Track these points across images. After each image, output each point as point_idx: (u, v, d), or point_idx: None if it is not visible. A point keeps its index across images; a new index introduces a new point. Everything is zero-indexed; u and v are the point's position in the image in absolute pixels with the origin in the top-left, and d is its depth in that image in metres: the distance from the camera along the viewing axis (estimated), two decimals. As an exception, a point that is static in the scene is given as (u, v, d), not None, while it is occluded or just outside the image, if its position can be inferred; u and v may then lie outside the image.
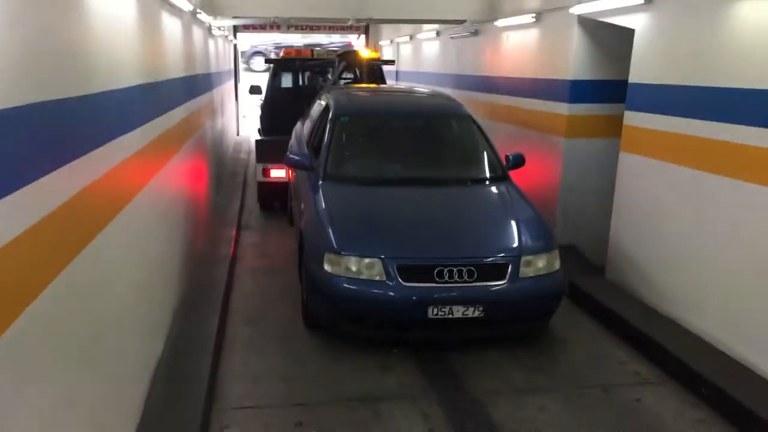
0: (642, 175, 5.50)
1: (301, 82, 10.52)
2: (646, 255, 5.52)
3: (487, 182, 5.90)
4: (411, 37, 13.76)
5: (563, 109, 6.83)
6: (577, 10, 6.37)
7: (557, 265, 4.93)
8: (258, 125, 10.76)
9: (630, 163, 5.67)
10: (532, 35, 7.62)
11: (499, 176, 5.92)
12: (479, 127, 6.46)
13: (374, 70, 10.42)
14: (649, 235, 5.44)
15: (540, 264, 4.81)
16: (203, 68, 8.21)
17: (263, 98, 10.51)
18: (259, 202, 9.51)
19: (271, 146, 8.81)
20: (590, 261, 6.90)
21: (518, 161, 6.16)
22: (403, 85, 13.73)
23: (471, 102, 9.74)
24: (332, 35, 18.30)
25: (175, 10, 5.78)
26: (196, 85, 7.28)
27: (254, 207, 9.84)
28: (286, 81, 10.75)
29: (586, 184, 6.96)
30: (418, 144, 6.39)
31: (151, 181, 4.23)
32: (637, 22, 5.48)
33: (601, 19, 6.08)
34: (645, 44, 5.41)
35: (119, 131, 3.42)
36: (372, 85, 9.54)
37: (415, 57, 13.73)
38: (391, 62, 12.42)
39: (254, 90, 11.76)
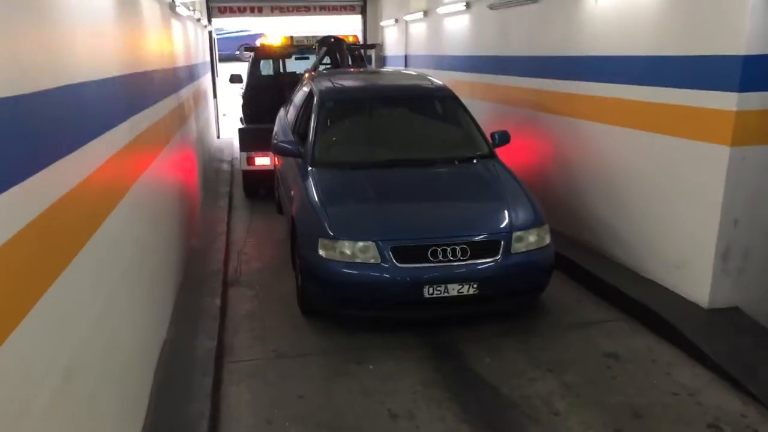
0: None
1: (282, 70, 10.43)
2: None
3: (475, 161, 5.89)
4: (426, 14, 11.22)
5: (727, 101, 4.35)
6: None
7: (548, 239, 5.00)
8: (240, 114, 10.60)
9: None
10: (652, -9, 5.12)
11: (486, 154, 5.96)
12: (464, 107, 6.44)
13: (355, 55, 10.57)
14: None
15: (531, 239, 4.89)
16: (164, 61, 5.66)
17: (244, 87, 10.43)
18: (244, 191, 9.47)
19: (254, 134, 8.81)
20: (770, 333, 4.48)
21: (504, 138, 6.24)
22: (414, 71, 11.31)
23: (527, 91, 7.27)
24: (320, 16, 15.63)
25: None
26: (151, 87, 4.75)
27: (244, 244, 7.35)
28: (267, 68, 10.72)
29: (764, 215, 4.52)
30: (404, 125, 6.47)
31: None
32: None
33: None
34: None
35: None
36: (353, 70, 9.24)
37: (432, 38, 11.18)
38: (372, 46, 12.87)
39: (235, 79, 11.41)
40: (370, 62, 15.00)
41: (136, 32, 4.28)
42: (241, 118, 10.46)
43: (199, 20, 10.35)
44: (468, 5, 9.04)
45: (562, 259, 6.07)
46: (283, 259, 6.46)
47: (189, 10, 8.00)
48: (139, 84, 4.23)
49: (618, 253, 5.77)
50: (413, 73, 8.44)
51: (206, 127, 11.87)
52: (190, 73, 8.53)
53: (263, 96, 9.66)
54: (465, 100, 9.23)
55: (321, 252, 4.75)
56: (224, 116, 17.50)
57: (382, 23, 14.83)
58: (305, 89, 7.17)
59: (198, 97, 9.90)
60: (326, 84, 6.81)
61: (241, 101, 10.65)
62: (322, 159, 5.78)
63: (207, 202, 8.69)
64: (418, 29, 11.99)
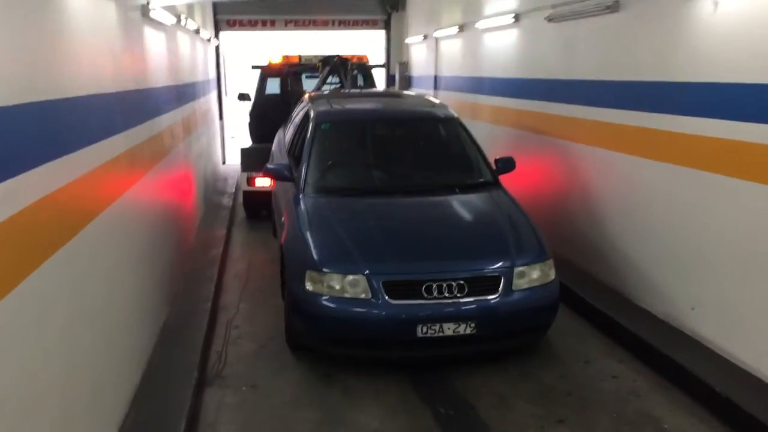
0: None
1: (289, 88, 10.15)
2: None
3: (477, 189, 5.54)
4: (461, 28, 9.67)
5: None
6: None
7: (552, 275, 4.63)
8: (249, 134, 10.59)
9: None
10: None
11: (489, 182, 5.64)
12: (466, 130, 6.08)
13: (365, 75, 10.66)
14: None
15: (534, 275, 4.53)
16: (122, 82, 4.12)
17: (251, 106, 10.49)
18: (245, 211, 9.14)
19: (255, 154, 8.54)
20: None
21: (508, 165, 5.80)
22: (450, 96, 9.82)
23: (603, 126, 5.69)
24: (339, 31, 14.20)
25: None
26: (90, 120, 3.21)
27: (236, 312, 5.79)
28: (274, 87, 10.53)
29: None
30: (402, 150, 6.16)
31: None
32: None
33: None
34: None
35: None
36: (355, 91, 9.32)
37: (469, 56, 9.60)
38: (381, 66, 12.20)
39: (243, 97, 11.26)
40: (393, 83, 13.58)
41: (47, 43, 2.71)
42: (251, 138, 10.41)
43: (197, 32, 8.87)
44: (517, 18, 7.46)
45: (663, 359, 4.44)
46: (284, 336, 4.96)
47: (177, 19, 6.48)
48: (56, 117, 2.67)
49: (733, 350, 4.11)
50: (417, 95, 8.17)
51: (208, 154, 10.41)
52: (180, 95, 7.02)
53: (270, 115, 9.38)
54: (511, 131, 7.71)
55: (308, 285, 4.42)
56: (233, 138, 16.06)
57: (408, 40, 13.30)
58: (303, 110, 6.80)
59: (194, 121, 8.41)
60: (323, 105, 6.51)
61: (248, 120, 10.58)
62: (315, 185, 5.44)
63: (197, 253, 7.12)
64: (452, 47, 10.43)
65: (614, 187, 5.62)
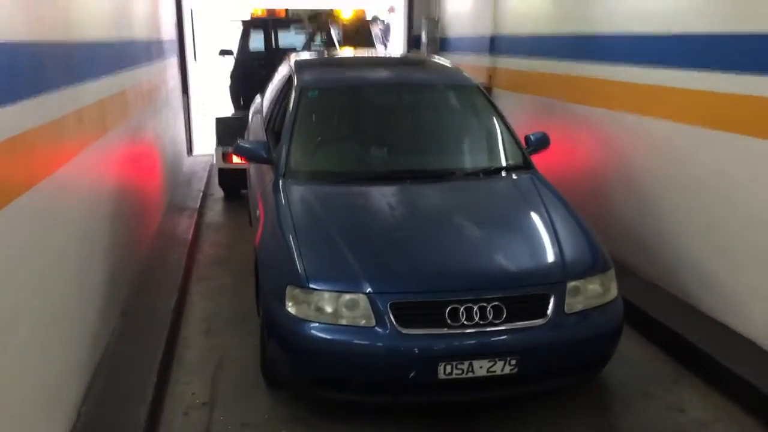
0: None
1: (275, 46, 9.64)
2: None
3: (505, 173, 4.47)
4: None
5: None
6: None
7: (614, 290, 3.55)
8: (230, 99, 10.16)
9: None
10: None
11: (520, 165, 4.55)
12: (489, 100, 5.01)
13: (360, 32, 10.01)
14: None
15: (592, 291, 3.45)
16: None
17: (233, 65, 9.95)
18: (222, 190, 8.08)
19: (233, 125, 7.58)
20: None
21: (541, 142, 4.74)
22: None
23: None
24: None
25: None
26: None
27: None
28: (258, 44, 9.88)
29: None
30: (410, 126, 5.03)
31: None
32: None
33: None
34: None
35: None
36: (348, 50, 8.72)
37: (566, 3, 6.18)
38: (373, 21, 10.81)
39: (225, 53, 10.49)
40: (418, 45, 10.21)
41: None
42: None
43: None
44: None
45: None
46: None
47: None
48: None
49: None
50: (426, 56, 7.21)
51: (172, 128, 7.11)
52: (82, 62, 3.64)
53: (254, 76, 8.64)
54: (685, 129, 4.42)
55: (290, 307, 3.28)
56: (205, 116, 12.48)
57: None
58: (283, 73, 5.75)
59: (122, 108, 5.03)
60: (309, 67, 5.47)
61: (228, 82, 10.01)
62: (299, 169, 4.31)
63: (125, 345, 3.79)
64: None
65: None
